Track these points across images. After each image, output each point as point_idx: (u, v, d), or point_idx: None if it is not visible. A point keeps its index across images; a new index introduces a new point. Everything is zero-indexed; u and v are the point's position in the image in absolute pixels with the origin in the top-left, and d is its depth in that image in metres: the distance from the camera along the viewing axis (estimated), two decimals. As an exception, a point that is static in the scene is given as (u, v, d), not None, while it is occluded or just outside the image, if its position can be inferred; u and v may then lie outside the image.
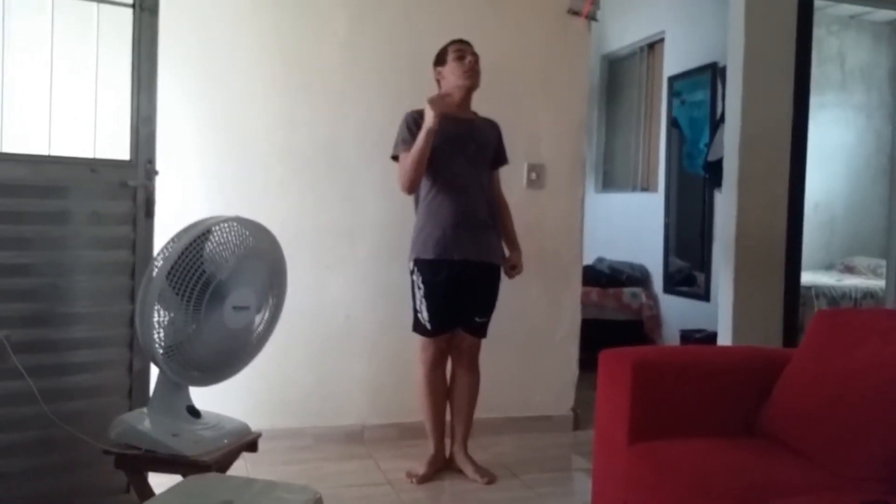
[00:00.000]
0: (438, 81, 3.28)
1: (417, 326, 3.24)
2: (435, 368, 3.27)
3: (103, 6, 2.58)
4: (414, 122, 3.16)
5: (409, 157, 3.09)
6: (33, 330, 2.41)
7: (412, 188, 3.18)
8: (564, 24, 3.93)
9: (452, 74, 3.20)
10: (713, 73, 5.39)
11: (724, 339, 4.15)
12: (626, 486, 2.26)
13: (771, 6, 4.10)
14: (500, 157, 3.38)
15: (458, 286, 3.16)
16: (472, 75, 3.19)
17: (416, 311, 3.23)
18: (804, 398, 2.21)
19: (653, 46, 6.36)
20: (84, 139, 2.61)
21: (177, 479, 2.04)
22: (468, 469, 3.28)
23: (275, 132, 3.57)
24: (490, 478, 3.24)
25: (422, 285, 3.18)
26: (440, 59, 3.25)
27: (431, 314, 3.18)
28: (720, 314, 4.23)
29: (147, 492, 2.28)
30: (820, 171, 5.77)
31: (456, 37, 3.26)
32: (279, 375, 3.53)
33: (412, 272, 3.22)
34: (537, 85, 3.92)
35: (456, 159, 3.15)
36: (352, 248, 3.68)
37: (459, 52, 3.19)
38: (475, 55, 3.21)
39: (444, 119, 3.12)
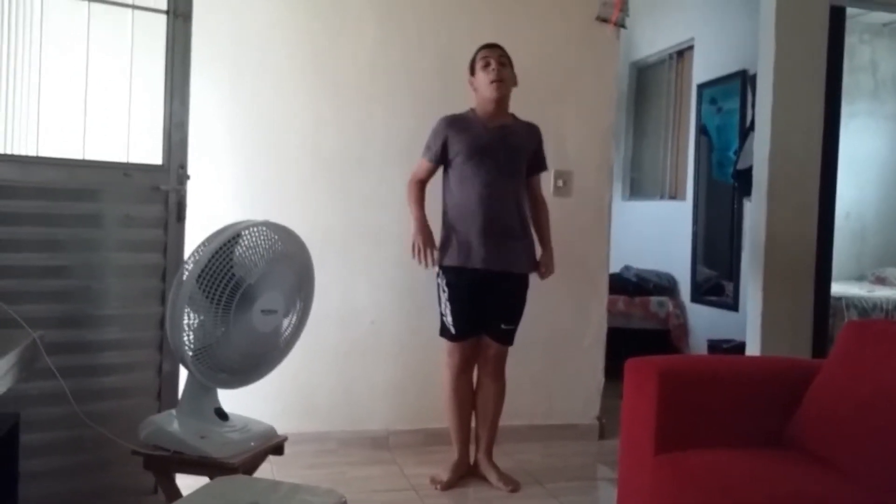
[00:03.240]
0: (474, 89, 3.26)
1: (444, 331, 3.25)
2: (461, 374, 3.27)
3: (137, 13, 2.62)
4: (444, 130, 3.18)
5: (410, 200, 3.27)
6: (66, 331, 2.45)
7: None
8: (593, 31, 3.93)
9: (482, 85, 3.19)
10: (743, 81, 5.34)
11: (753, 349, 4.11)
12: (652, 496, 2.25)
13: (802, 13, 4.06)
14: (537, 163, 3.33)
15: (481, 292, 3.16)
16: (500, 86, 3.15)
17: (441, 316, 3.24)
18: (834, 409, 2.19)
19: (682, 53, 6.32)
20: (117, 144, 2.65)
21: (204, 480, 2.07)
22: (492, 476, 3.27)
23: (305, 136, 3.59)
24: (514, 485, 3.23)
25: (446, 288, 3.19)
26: (472, 68, 3.24)
27: (455, 318, 3.18)
28: (749, 324, 4.19)
29: (175, 493, 2.31)
30: (851, 181, 5.68)
31: (485, 41, 3.25)
32: (306, 379, 3.55)
33: (437, 275, 3.24)
34: (565, 91, 3.92)
35: (484, 167, 3.13)
36: (378, 252, 3.69)
37: (485, 61, 3.17)
38: (503, 58, 3.18)
39: (474, 127, 3.14)
